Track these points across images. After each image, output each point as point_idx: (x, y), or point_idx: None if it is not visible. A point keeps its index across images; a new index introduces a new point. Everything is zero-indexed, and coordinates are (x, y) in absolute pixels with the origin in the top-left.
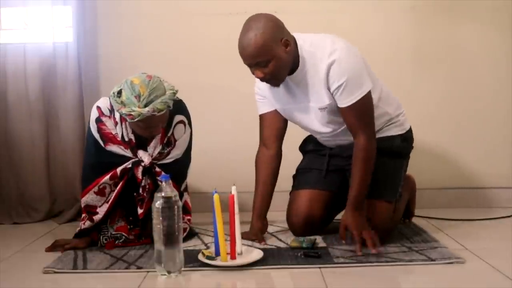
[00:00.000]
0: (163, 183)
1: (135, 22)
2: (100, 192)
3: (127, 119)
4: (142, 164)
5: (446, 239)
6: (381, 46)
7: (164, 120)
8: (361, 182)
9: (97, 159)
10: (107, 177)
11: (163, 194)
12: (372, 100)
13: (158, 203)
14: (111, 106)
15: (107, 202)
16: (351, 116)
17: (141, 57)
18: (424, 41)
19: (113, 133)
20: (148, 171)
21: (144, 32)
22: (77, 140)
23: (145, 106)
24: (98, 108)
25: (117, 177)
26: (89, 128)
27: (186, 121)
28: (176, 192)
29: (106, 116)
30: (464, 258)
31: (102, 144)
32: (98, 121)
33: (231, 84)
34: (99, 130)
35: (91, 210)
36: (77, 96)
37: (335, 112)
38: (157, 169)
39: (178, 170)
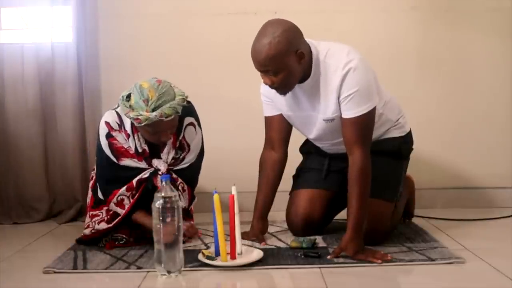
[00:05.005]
0: (163, 183)
1: (135, 22)
2: (119, 204)
3: (135, 123)
4: (159, 173)
5: (446, 239)
6: (381, 46)
7: (173, 126)
8: (361, 206)
9: (112, 174)
10: (123, 188)
11: (163, 194)
12: (375, 117)
13: (158, 203)
14: (119, 119)
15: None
16: (352, 130)
17: (141, 57)
18: (425, 41)
19: (125, 146)
20: None
21: (144, 32)
22: (76, 140)
23: (153, 110)
24: (107, 123)
25: (133, 189)
26: (98, 143)
27: (196, 123)
28: (176, 192)
29: (116, 130)
30: (464, 258)
31: (115, 160)
32: (109, 136)
33: (231, 84)
34: (111, 146)
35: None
36: (77, 96)
37: (339, 125)
38: (174, 175)
39: (193, 174)
